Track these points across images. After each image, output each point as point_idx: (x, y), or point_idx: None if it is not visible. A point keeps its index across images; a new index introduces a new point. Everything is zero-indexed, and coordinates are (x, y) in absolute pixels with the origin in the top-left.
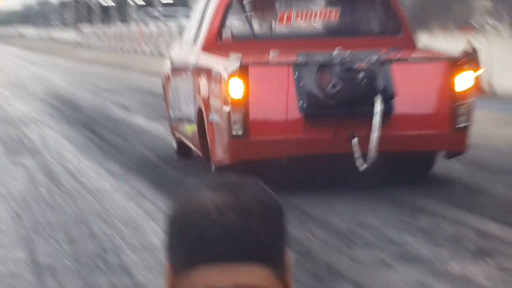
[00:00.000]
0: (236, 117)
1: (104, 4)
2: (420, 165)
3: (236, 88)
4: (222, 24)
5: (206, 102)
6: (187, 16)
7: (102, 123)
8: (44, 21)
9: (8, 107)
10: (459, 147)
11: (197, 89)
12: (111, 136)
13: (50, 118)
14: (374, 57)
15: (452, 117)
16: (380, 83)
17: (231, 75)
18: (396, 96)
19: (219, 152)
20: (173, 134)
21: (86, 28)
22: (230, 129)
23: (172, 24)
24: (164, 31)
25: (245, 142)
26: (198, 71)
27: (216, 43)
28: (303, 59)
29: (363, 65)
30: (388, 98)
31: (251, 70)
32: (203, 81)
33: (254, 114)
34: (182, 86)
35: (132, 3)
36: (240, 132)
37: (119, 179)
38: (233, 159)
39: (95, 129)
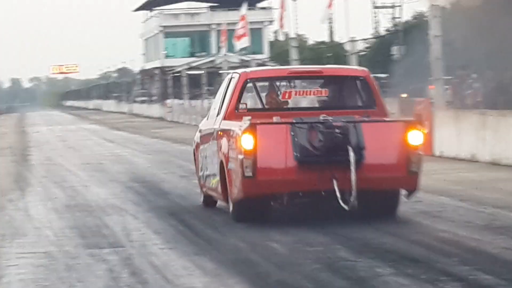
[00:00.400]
0: (247, 163)
1: (191, 74)
2: (388, 204)
3: (247, 141)
4: (239, 100)
5: (226, 155)
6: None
7: (191, 211)
8: (125, 92)
9: (86, 192)
10: (412, 186)
11: (219, 147)
12: (201, 226)
13: (132, 205)
14: (348, 119)
15: (407, 163)
16: (353, 138)
17: (243, 131)
18: (366, 148)
19: (235, 191)
20: (201, 190)
21: (171, 101)
22: (243, 172)
23: None
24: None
25: (254, 181)
26: (221, 134)
27: (234, 113)
28: (297, 121)
29: (339, 123)
30: (359, 149)
31: (258, 128)
32: (224, 141)
33: (261, 160)
34: (209, 148)
35: (223, 73)
36: (250, 174)
37: (211, 276)
38: (245, 195)
39: (184, 218)
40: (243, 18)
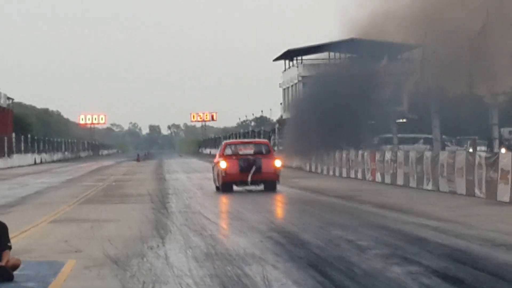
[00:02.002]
0: (223, 172)
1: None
2: (272, 186)
3: (222, 164)
4: (224, 150)
5: (216, 170)
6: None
7: (331, 263)
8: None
9: (225, 241)
10: (278, 180)
11: (217, 166)
12: (341, 278)
13: (272, 255)
14: (255, 157)
15: (276, 171)
16: (257, 163)
17: (221, 159)
18: (262, 165)
19: (220, 181)
20: (214, 183)
21: (308, 151)
22: (222, 174)
23: (410, 151)
24: (399, 159)
25: (225, 177)
26: (217, 162)
27: (222, 155)
28: (239, 157)
29: (251, 157)
30: (258, 167)
31: (226, 158)
32: (218, 165)
33: (227, 170)
34: (215, 167)
35: (361, 123)
36: (224, 175)
37: None
38: (223, 182)
39: (324, 270)
40: (383, 69)
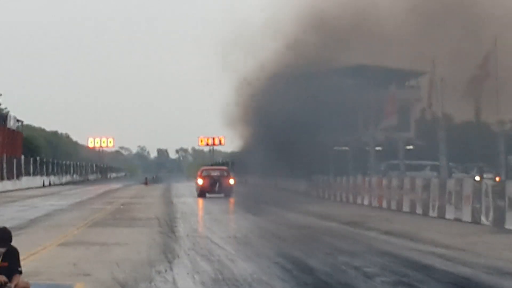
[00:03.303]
0: (199, 187)
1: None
2: (229, 194)
3: (199, 181)
4: (201, 172)
5: (196, 184)
6: (431, 169)
7: None
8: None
9: (233, 266)
10: (232, 190)
11: (196, 183)
12: None
13: (279, 281)
14: (219, 176)
15: (231, 186)
16: (220, 180)
17: (199, 178)
18: (223, 182)
19: (198, 191)
20: (196, 191)
21: (315, 176)
22: (199, 187)
23: (417, 178)
24: (406, 185)
25: (201, 189)
26: (197, 180)
27: (200, 176)
28: (209, 177)
29: (216, 176)
30: (220, 183)
31: (202, 177)
32: (196, 182)
33: (202, 185)
34: (196, 183)
35: (368, 149)
36: (200, 186)
37: None
38: (200, 192)
39: None
40: (391, 96)
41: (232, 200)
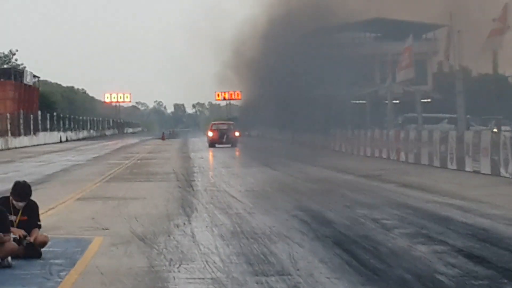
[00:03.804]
0: (210, 138)
1: (355, 103)
2: (234, 145)
3: (209, 133)
4: (211, 126)
5: (207, 136)
6: (448, 122)
7: (356, 241)
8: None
9: (251, 220)
10: (237, 141)
11: (207, 135)
12: (367, 257)
13: (298, 233)
14: (227, 128)
15: (236, 137)
16: (227, 132)
17: (209, 131)
18: (229, 135)
19: (209, 140)
20: (207, 142)
21: (333, 130)
22: (209, 139)
23: (434, 130)
24: (424, 138)
25: (211, 139)
26: (207, 133)
27: (210, 129)
28: (218, 130)
29: (224, 129)
30: (227, 135)
31: (212, 131)
32: (207, 134)
33: (212, 137)
34: (207, 135)
35: (386, 102)
36: (211, 137)
37: None
38: (210, 142)
39: (349, 249)
40: (408, 49)
41: (249, 154)
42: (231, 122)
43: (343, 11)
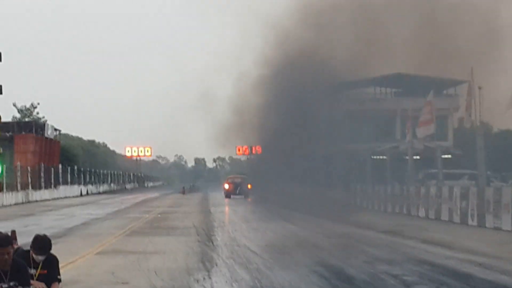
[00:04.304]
0: (225, 189)
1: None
2: (246, 196)
3: (225, 186)
4: (227, 180)
5: (223, 188)
6: (469, 178)
7: None
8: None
9: (271, 275)
10: (248, 193)
11: (223, 187)
12: None
13: None
14: (240, 182)
15: (248, 189)
16: (240, 185)
17: (225, 183)
18: (242, 187)
19: (224, 192)
20: (223, 193)
21: (354, 185)
22: (225, 191)
23: (455, 187)
24: (444, 194)
25: (227, 191)
26: (223, 185)
27: (226, 182)
28: (233, 182)
29: (238, 181)
30: (240, 187)
31: (227, 183)
32: (223, 186)
33: (227, 189)
34: (223, 187)
35: (407, 158)
36: (226, 189)
37: None
38: (226, 193)
39: None
40: (428, 104)
41: (268, 208)
42: (244, 176)
43: (364, 67)
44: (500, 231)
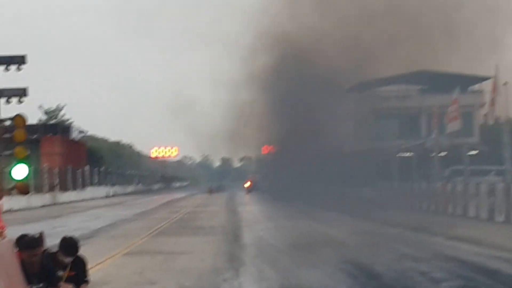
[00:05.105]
0: (246, 188)
1: (401, 156)
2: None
3: (246, 184)
4: (248, 179)
5: (244, 186)
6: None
7: None
8: None
9: (299, 273)
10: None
11: (244, 186)
12: None
13: (345, 286)
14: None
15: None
16: (256, 183)
17: (247, 181)
18: (256, 185)
19: (245, 191)
20: (244, 190)
21: (380, 183)
22: (245, 188)
23: (481, 183)
24: (471, 191)
25: (247, 189)
26: (244, 183)
27: (248, 180)
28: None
29: (255, 180)
30: (255, 185)
31: (248, 180)
32: (244, 184)
33: (248, 186)
34: (243, 186)
35: (433, 155)
36: (246, 188)
37: None
38: (247, 192)
39: None
40: (455, 101)
41: (295, 208)
42: (257, 175)
43: (388, 64)
44: None
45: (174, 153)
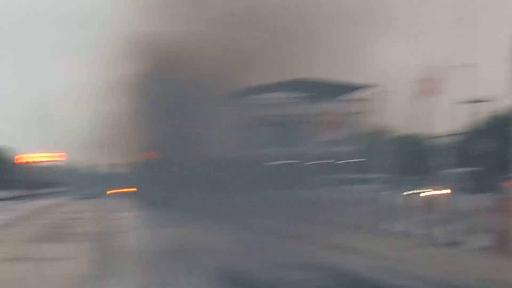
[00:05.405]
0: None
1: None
2: None
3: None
4: None
5: None
6: None
7: None
8: None
9: (175, 281)
10: None
11: None
12: None
13: None
14: None
15: None
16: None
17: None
18: None
19: None
20: None
21: (256, 190)
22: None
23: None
24: (342, 199)
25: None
26: None
27: None
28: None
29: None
30: None
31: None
32: None
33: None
34: None
35: (309, 163)
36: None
37: None
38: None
39: None
40: (333, 109)
41: (172, 214)
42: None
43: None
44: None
45: (51, 158)
